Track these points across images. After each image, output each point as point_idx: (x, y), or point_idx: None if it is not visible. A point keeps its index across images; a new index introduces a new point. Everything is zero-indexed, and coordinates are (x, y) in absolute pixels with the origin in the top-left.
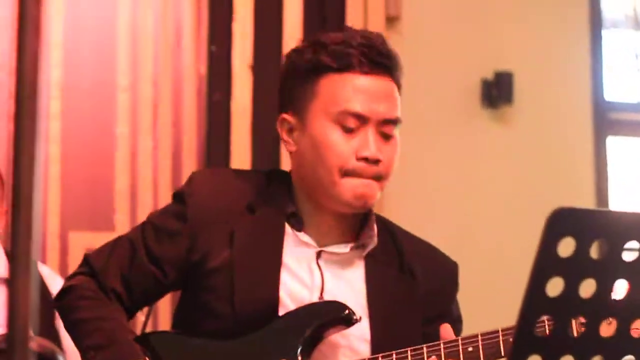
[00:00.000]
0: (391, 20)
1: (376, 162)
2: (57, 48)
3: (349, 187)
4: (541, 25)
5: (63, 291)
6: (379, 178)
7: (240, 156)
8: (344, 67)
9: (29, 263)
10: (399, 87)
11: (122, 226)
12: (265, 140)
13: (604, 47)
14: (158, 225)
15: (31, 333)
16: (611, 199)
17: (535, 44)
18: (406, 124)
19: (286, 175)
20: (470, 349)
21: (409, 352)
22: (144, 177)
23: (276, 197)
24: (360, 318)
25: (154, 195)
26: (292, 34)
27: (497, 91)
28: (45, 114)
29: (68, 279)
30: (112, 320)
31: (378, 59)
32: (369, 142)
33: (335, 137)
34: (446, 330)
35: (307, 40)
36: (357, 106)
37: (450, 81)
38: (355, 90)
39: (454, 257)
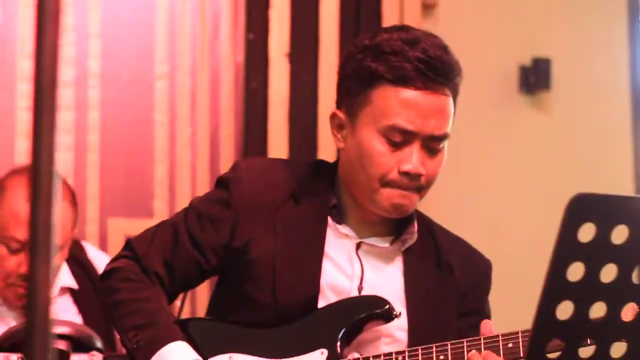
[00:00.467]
0: (428, 7)
1: (418, 176)
2: (96, 39)
3: (387, 197)
4: (578, 10)
5: (106, 273)
6: (419, 190)
7: (278, 144)
8: (398, 80)
9: (48, 254)
10: (455, 96)
11: (161, 213)
12: (301, 129)
13: None
14: (201, 211)
15: (51, 323)
16: None
17: (572, 29)
18: None
19: (330, 167)
20: (510, 345)
21: (449, 345)
22: (182, 164)
23: (319, 189)
24: (400, 314)
25: (192, 182)
26: (329, 21)
27: (535, 77)
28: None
29: (111, 262)
30: (153, 302)
31: (434, 75)
32: (412, 157)
33: (380, 148)
34: (487, 326)
35: (369, 38)
36: (406, 122)
37: (487, 68)
38: (406, 105)
39: (491, 246)
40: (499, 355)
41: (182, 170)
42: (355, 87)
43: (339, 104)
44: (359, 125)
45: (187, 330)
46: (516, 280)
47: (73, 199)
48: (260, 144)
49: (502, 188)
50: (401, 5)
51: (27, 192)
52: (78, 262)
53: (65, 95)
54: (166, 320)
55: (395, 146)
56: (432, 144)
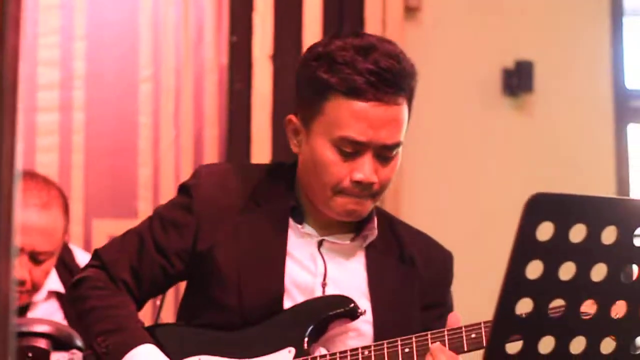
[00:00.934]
0: (410, 10)
1: (370, 184)
2: (80, 40)
3: (341, 204)
4: (561, 13)
5: (75, 283)
6: (372, 196)
7: (261, 145)
8: (350, 92)
9: (8, 252)
10: (410, 100)
11: (145, 214)
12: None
13: (625, 34)
14: (165, 217)
15: (13, 319)
16: (632, 187)
17: (555, 32)
18: (428, 113)
19: (290, 168)
20: (473, 335)
21: (413, 338)
22: (166, 165)
23: (279, 191)
24: (365, 311)
25: (176, 184)
26: (312, 24)
27: (518, 80)
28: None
29: (80, 271)
30: (121, 308)
31: (385, 87)
32: (364, 166)
33: (332, 158)
34: (454, 318)
35: (323, 45)
36: (357, 134)
37: (470, 71)
38: (357, 117)
39: (472, 247)
40: (463, 346)
41: (166, 171)
42: (309, 96)
43: (295, 110)
44: (313, 133)
45: (155, 336)
46: (499, 279)
47: (65, 207)
48: (244, 145)
49: (485, 190)
50: (384, 8)
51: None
52: (66, 266)
53: (50, 96)
54: (134, 325)
55: (348, 156)
56: (384, 153)
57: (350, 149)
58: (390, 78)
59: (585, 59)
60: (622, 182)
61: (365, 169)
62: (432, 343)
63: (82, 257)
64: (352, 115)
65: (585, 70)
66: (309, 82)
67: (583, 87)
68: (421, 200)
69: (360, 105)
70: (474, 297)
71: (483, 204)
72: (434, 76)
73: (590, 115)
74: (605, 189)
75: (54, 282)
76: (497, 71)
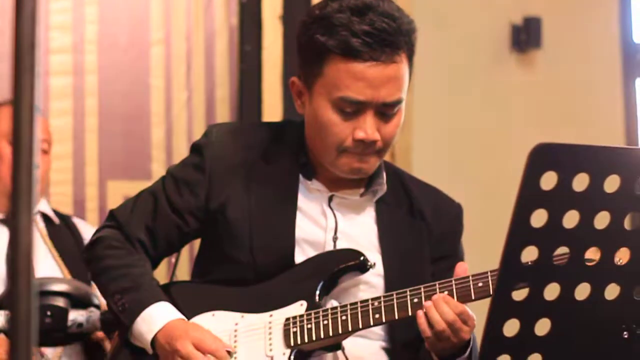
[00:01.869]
0: None
1: (373, 142)
2: (92, 4)
3: (346, 162)
4: None
5: (91, 243)
6: (377, 152)
7: (272, 105)
8: (347, 54)
9: (30, 204)
10: (410, 55)
11: (158, 174)
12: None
13: None
14: (177, 177)
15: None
16: None
17: None
18: (437, 69)
19: (299, 126)
20: (480, 284)
21: (422, 288)
22: (178, 127)
23: (289, 148)
24: (375, 264)
25: (189, 144)
26: None
27: (526, 36)
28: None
29: (95, 232)
30: (137, 267)
31: (381, 47)
32: (366, 125)
33: (333, 118)
34: (462, 268)
35: (320, 7)
36: (356, 94)
37: (479, 27)
38: (355, 78)
39: (481, 201)
40: (470, 295)
41: (179, 132)
42: (309, 58)
43: (298, 72)
44: (314, 95)
45: (170, 293)
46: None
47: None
48: (255, 105)
49: (494, 145)
50: None
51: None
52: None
53: (62, 60)
54: (149, 283)
55: (349, 115)
56: (385, 110)
57: (351, 109)
58: (386, 38)
59: (593, 14)
60: (631, 136)
61: (366, 127)
62: (440, 292)
63: (84, 227)
64: (351, 76)
65: (593, 25)
66: (308, 46)
67: (591, 43)
68: (431, 155)
69: (357, 65)
70: (484, 250)
71: (492, 158)
72: (443, 33)
73: (598, 70)
74: (615, 142)
75: (42, 205)
76: (505, 27)
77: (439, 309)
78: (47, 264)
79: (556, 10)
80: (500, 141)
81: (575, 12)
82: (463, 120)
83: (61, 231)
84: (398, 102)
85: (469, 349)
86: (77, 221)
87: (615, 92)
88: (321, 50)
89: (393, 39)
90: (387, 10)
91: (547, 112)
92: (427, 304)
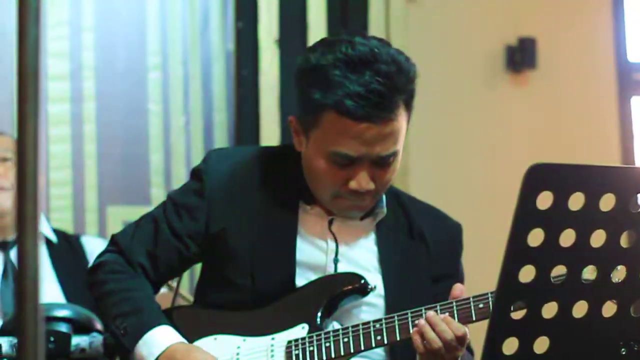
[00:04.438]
0: None
1: (367, 191)
2: (89, 31)
3: (343, 205)
4: None
5: (92, 268)
6: (371, 197)
7: (270, 129)
8: (342, 113)
9: (35, 230)
10: (408, 104)
11: (158, 199)
12: (293, 113)
13: (626, 8)
14: (178, 202)
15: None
16: (638, 159)
17: (556, 8)
18: (432, 90)
19: (299, 152)
20: (481, 305)
21: (423, 310)
22: (177, 152)
23: (289, 173)
24: (375, 287)
25: (187, 169)
26: (317, 6)
27: (521, 56)
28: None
29: (97, 257)
30: (139, 290)
31: (376, 110)
32: (359, 177)
33: (327, 168)
34: (458, 289)
35: (317, 55)
36: (350, 150)
37: (474, 48)
38: (349, 136)
39: (478, 222)
40: (471, 316)
41: (177, 157)
42: (305, 107)
43: (297, 112)
44: (310, 143)
45: (172, 317)
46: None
47: None
48: (252, 129)
49: (489, 165)
50: None
51: None
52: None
53: (61, 87)
54: (151, 307)
55: (343, 166)
56: (380, 161)
57: (344, 162)
58: (380, 100)
59: (587, 34)
60: (628, 155)
61: (360, 179)
62: (441, 313)
63: (92, 244)
64: (345, 134)
65: (587, 45)
66: (304, 95)
67: (586, 62)
68: (428, 176)
69: (352, 125)
70: (482, 270)
71: (488, 179)
72: (438, 54)
73: (594, 89)
74: (611, 163)
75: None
76: (500, 48)
77: (437, 328)
78: (47, 286)
79: (550, 31)
80: (497, 161)
81: (570, 32)
82: (459, 140)
83: (61, 250)
84: (394, 153)
85: None
86: (85, 240)
87: (610, 111)
88: (317, 104)
89: (388, 102)
90: (384, 66)
91: (543, 132)
92: (421, 322)
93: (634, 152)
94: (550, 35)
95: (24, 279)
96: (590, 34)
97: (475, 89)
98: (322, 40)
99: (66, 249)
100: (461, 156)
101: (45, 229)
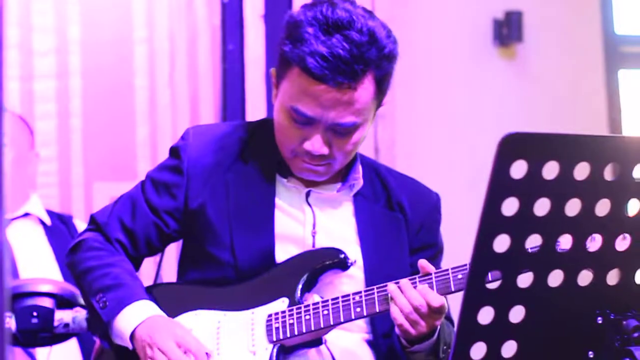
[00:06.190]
0: None
1: (320, 156)
2: (74, 5)
3: (298, 165)
4: None
5: (72, 247)
6: (328, 164)
7: (255, 104)
8: (304, 70)
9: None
10: (379, 82)
11: (144, 175)
12: None
13: None
14: (156, 179)
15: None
16: (625, 133)
17: None
18: (420, 64)
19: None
20: (459, 276)
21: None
22: (163, 126)
23: (265, 147)
24: (355, 262)
25: None
26: None
27: (508, 30)
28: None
29: (77, 236)
30: (118, 266)
31: (336, 74)
32: (313, 138)
33: (286, 123)
34: (424, 265)
35: (299, 12)
36: (306, 109)
37: (462, 22)
38: (306, 94)
39: (465, 195)
40: (450, 287)
41: (164, 132)
42: (281, 59)
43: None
44: (278, 94)
45: (153, 294)
46: None
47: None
48: (238, 104)
49: (478, 138)
50: None
51: None
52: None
53: (46, 63)
54: (131, 282)
55: (300, 124)
56: (337, 129)
57: (301, 120)
58: (341, 66)
59: (574, 7)
60: (615, 128)
61: (314, 141)
62: (420, 284)
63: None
64: (303, 92)
65: (574, 18)
66: (279, 47)
67: (573, 35)
68: (415, 150)
69: (312, 84)
70: (466, 241)
71: (475, 152)
72: (425, 28)
73: (581, 62)
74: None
75: (33, 205)
76: (487, 22)
77: (407, 294)
78: (45, 266)
79: (537, 4)
80: (483, 134)
81: (557, 5)
82: (445, 113)
83: (57, 231)
84: (351, 125)
85: (436, 333)
86: (78, 223)
87: (598, 84)
88: (285, 57)
89: (348, 68)
90: (356, 34)
91: (530, 105)
92: (391, 286)
93: (621, 126)
94: (537, 8)
95: None
96: (577, 6)
97: (462, 63)
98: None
99: (62, 230)
100: (448, 129)
101: (40, 210)
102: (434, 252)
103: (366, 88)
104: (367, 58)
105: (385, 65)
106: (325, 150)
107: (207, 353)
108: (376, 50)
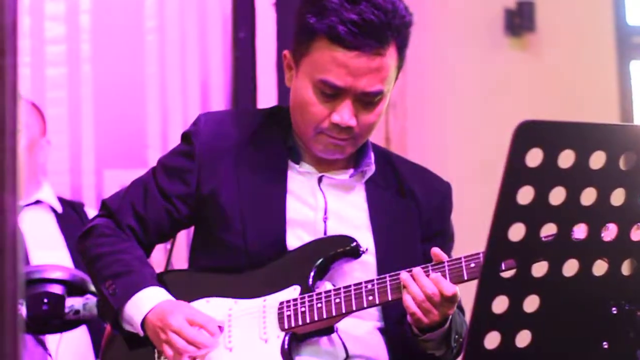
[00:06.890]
0: None
1: (348, 128)
2: None
3: (322, 142)
4: None
5: (83, 234)
6: (352, 139)
7: (266, 92)
8: (333, 39)
9: (15, 182)
10: (400, 50)
11: (155, 162)
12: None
13: None
14: (168, 165)
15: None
16: (637, 123)
17: None
18: (432, 54)
19: (287, 111)
20: (472, 265)
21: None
22: (174, 114)
23: (276, 133)
24: (367, 249)
25: None
26: None
27: (520, 20)
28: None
29: (88, 222)
30: (129, 253)
31: (367, 39)
32: (343, 110)
33: (313, 99)
34: (437, 253)
35: None
36: (336, 79)
37: (474, 12)
38: (337, 64)
39: (477, 184)
40: (463, 275)
41: (175, 120)
42: (300, 35)
43: (290, 45)
44: (299, 72)
45: (164, 281)
46: None
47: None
48: (249, 92)
49: (489, 129)
50: None
51: None
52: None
53: (57, 50)
54: (141, 269)
55: (328, 98)
56: (365, 98)
57: (330, 92)
58: (372, 30)
59: None
60: (627, 120)
61: (343, 112)
62: (433, 273)
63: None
64: (333, 61)
65: (586, 8)
66: (300, 23)
67: (585, 25)
68: (426, 139)
69: (341, 53)
70: (477, 230)
71: (486, 143)
72: (438, 18)
73: (593, 53)
74: None
75: (44, 192)
76: (499, 11)
77: (419, 282)
78: (56, 254)
79: None
80: (494, 124)
81: None
82: (457, 103)
83: (68, 218)
84: (379, 93)
85: (448, 321)
86: (89, 211)
87: (609, 74)
88: (310, 30)
89: (379, 33)
90: (382, 1)
91: (542, 96)
92: (403, 275)
93: (633, 116)
94: None
95: (3, 234)
96: None
97: (474, 52)
98: None
99: (73, 217)
100: (459, 119)
101: (51, 198)
102: (445, 241)
103: (391, 55)
104: (393, 25)
105: (406, 35)
106: (353, 122)
107: (219, 326)
108: (399, 19)
